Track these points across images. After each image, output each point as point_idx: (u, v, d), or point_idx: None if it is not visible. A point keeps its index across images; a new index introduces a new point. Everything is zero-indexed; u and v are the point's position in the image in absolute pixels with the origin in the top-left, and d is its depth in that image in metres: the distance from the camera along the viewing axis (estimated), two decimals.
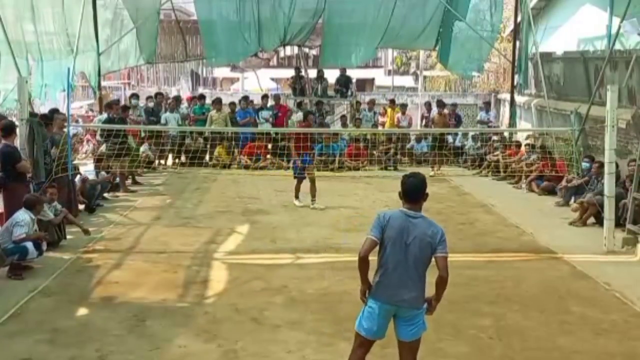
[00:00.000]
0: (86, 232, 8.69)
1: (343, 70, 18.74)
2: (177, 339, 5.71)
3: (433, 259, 4.28)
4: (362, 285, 4.35)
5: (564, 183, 11.94)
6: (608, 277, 7.51)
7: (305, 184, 11.21)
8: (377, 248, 4.31)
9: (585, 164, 11.51)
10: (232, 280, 7.37)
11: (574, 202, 11.31)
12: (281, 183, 13.00)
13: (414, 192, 4.30)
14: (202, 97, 17.13)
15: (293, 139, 11.23)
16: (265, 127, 16.09)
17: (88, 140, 15.66)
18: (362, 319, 4.38)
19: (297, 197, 11.29)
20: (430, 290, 4.39)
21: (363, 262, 4.24)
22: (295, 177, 11.30)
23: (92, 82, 16.42)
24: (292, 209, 11.04)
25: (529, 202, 12.21)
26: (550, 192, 12.57)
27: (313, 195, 11.16)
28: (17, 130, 8.66)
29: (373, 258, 4.36)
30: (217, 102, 16.13)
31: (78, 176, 10.67)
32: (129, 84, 26.02)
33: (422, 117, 17.58)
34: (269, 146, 16.12)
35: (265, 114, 16.46)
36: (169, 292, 6.90)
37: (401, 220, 4.24)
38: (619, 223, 9.22)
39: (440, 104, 16.52)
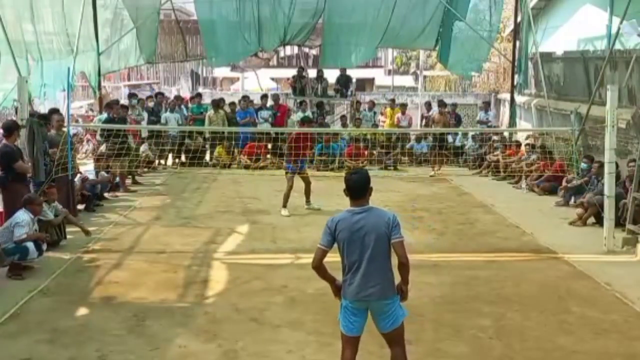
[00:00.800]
0: (87, 232, 8.70)
1: (343, 70, 18.75)
2: (177, 339, 5.71)
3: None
4: (330, 285, 4.49)
5: (564, 183, 11.94)
6: (608, 277, 7.51)
7: (299, 185, 11.03)
8: (340, 251, 4.40)
9: (583, 165, 11.52)
10: (232, 280, 7.37)
11: (574, 202, 11.32)
12: (281, 183, 12.95)
13: (356, 189, 4.34)
14: (198, 95, 17.12)
15: (289, 141, 11.10)
16: (265, 127, 16.09)
17: (88, 140, 15.68)
18: (341, 318, 4.49)
19: (285, 205, 10.76)
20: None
21: (317, 270, 4.40)
22: (286, 174, 10.81)
23: (92, 82, 16.42)
24: (292, 208, 11.03)
25: (529, 202, 12.20)
26: (551, 192, 12.57)
27: (308, 196, 11.04)
28: (20, 130, 8.68)
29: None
30: (215, 103, 16.14)
31: (78, 175, 10.67)
32: (151, 84, 25.99)
33: (422, 116, 17.59)
34: (269, 146, 16.14)
35: (264, 113, 16.46)
36: (169, 292, 6.90)
37: (349, 220, 4.31)
38: (619, 223, 9.22)
39: (442, 104, 16.50)
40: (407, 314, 4.48)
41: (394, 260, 4.38)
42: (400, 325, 4.40)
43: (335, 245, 4.42)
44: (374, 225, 4.27)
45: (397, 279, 4.46)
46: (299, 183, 10.98)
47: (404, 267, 4.31)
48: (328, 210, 11.05)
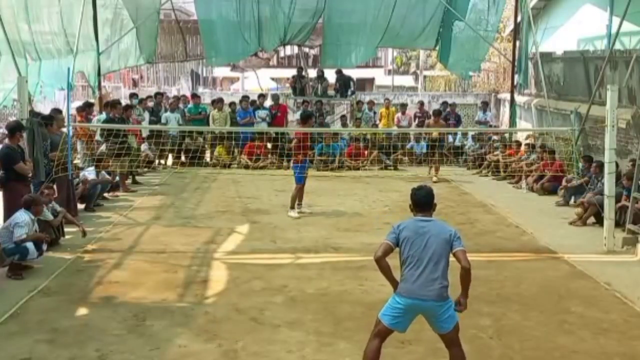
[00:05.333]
0: (83, 233, 8.66)
1: (339, 72, 18.73)
2: (177, 339, 5.72)
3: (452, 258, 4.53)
4: (392, 285, 4.61)
5: (564, 183, 11.95)
6: (608, 277, 7.51)
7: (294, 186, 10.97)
8: (400, 250, 4.57)
9: (581, 165, 11.54)
10: (232, 280, 7.37)
11: (574, 202, 11.32)
12: (281, 183, 13.02)
13: (421, 203, 4.71)
14: (195, 96, 17.15)
15: (295, 139, 11.05)
16: (262, 126, 16.09)
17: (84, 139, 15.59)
18: (387, 310, 4.60)
19: (293, 207, 10.56)
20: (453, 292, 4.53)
21: (379, 263, 4.52)
22: (298, 181, 10.56)
23: (92, 82, 16.42)
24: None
25: (529, 202, 12.21)
26: (550, 192, 12.57)
27: (300, 200, 10.88)
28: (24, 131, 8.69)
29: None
30: (219, 102, 16.21)
31: (77, 178, 10.65)
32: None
33: (415, 116, 17.50)
34: (269, 146, 16.15)
35: (261, 113, 16.46)
36: (169, 292, 6.90)
37: (414, 224, 4.60)
38: (619, 223, 9.22)
39: (437, 112, 14.92)
40: (458, 319, 4.64)
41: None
42: (456, 326, 4.61)
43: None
44: (438, 232, 4.55)
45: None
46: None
47: (466, 272, 4.49)
48: (328, 211, 11.07)
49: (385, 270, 4.53)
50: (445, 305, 4.50)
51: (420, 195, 4.71)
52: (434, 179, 13.99)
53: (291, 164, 11.53)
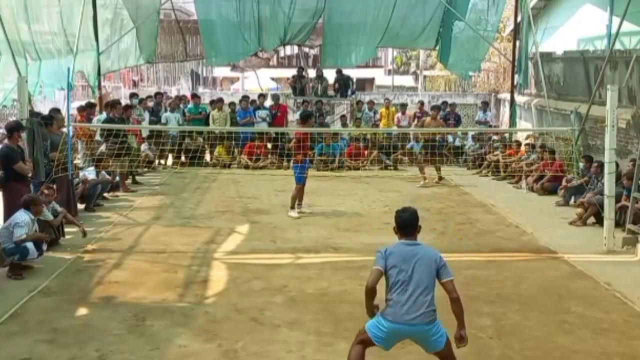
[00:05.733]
0: (84, 233, 8.66)
1: (339, 72, 18.75)
2: (177, 339, 5.71)
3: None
4: (368, 313, 4.58)
5: (564, 183, 11.95)
6: (608, 277, 7.51)
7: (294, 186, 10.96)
8: (386, 275, 4.53)
9: (581, 165, 11.53)
10: (232, 280, 7.37)
11: (574, 202, 11.32)
12: (281, 183, 13.02)
13: (406, 226, 4.62)
14: (195, 96, 17.17)
15: (294, 139, 11.04)
16: (262, 126, 16.10)
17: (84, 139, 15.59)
18: (372, 326, 4.55)
19: (293, 207, 10.56)
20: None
21: (371, 292, 4.47)
22: (298, 181, 10.55)
23: (91, 82, 16.42)
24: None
25: (529, 202, 12.21)
26: (550, 192, 12.57)
27: (300, 200, 10.87)
28: (22, 131, 8.69)
29: None
30: (218, 102, 16.22)
31: (77, 178, 10.65)
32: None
33: (415, 115, 17.49)
34: (269, 146, 16.15)
35: (262, 113, 16.47)
36: (169, 292, 6.90)
37: (401, 248, 4.55)
38: (619, 223, 9.22)
39: (435, 108, 15.12)
40: (447, 336, 4.57)
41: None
42: (448, 342, 4.56)
43: None
44: (425, 256, 4.50)
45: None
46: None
47: (456, 303, 4.46)
48: (328, 211, 11.07)
49: (372, 298, 4.51)
50: (434, 328, 4.48)
51: (404, 218, 4.63)
52: (435, 179, 13.87)
53: (291, 164, 11.51)
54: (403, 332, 4.48)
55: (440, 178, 13.93)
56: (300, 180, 10.64)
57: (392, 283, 4.47)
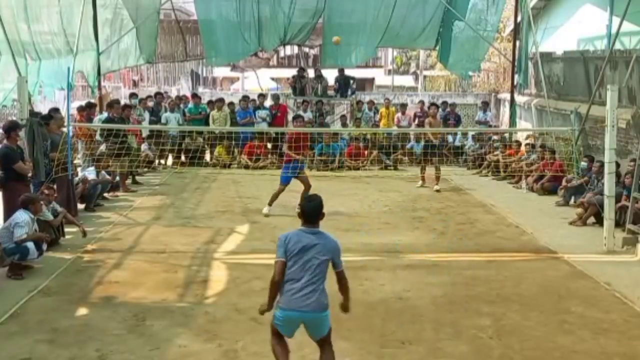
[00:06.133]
0: (84, 233, 8.66)
1: (341, 71, 18.76)
2: (177, 339, 5.72)
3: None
4: (267, 305, 4.76)
5: (564, 183, 11.95)
6: (608, 277, 7.51)
7: (300, 186, 10.94)
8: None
9: (583, 164, 11.52)
10: (232, 280, 7.37)
11: (574, 202, 11.32)
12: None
13: (311, 214, 4.78)
14: (195, 96, 17.16)
15: (285, 142, 10.98)
16: (262, 126, 16.09)
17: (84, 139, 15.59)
18: (275, 317, 4.77)
19: (270, 204, 10.65)
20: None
21: (277, 285, 4.63)
22: (281, 180, 10.64)
23: (91, 82, 16.42)
24: (292, 208, 11.01)
25: (529, 202, 12.21)
26: (550, 192, 12.57)
27: (273, 199, 10.81)
28: (19, 130, 8.68)
29: None
30: (217, 102, 16.22)
31: (77, 178, 10.65)
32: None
33: (415, 115, 17.47)
34: (269, 146, 16.15)
35: (262, 113, 16.46)
36: (169, 292, 6.90)
37: (300, 237, 4.67)
38: (619, 223, 9.22)
39: (433, 105, 14.57)
40: (330, 326, 4.82)
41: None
42: (329, 332, 4.82)
43: None
44: (322, 245, 4.65)
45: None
46: (299, 184, 10.88)
47: (347, 290, 4.83)
48: (328, 211, 11.05)
49: (275, 293, 4.66)
50: (326, 315, 4.68)
51: (310, 207, 4.79)
52: (437, 187, 13.10)
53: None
54: (296, 319, 4.64)
55: (438, 191, 12.98)
56: (283, 181, 10.64)
57: (288, 272, 4.60)
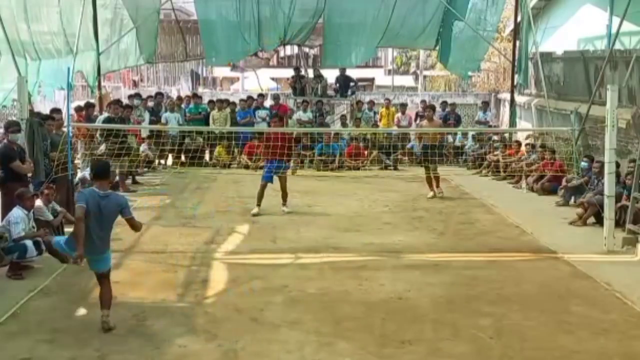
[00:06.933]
0: None
1: (342, 71, 18.77)
2: (177, 339, 5.72)
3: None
4: (79, 246, 5.74)
5: (564, 183, 11.94)
6: (608, 277, 7.50)
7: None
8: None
9: (583, 164, 11.51)
10: (232, 280, 7.37)
11: (574, 202, 11.31)
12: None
13: (100, 174, 5.92)
14: (195, 96, 17.16)
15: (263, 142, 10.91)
16: (262, 126, 16.08)
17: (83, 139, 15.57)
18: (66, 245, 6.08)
19: (258, 204, 10.66)
20: None
21: (81, 221, 5.67)
22: (263, 177, 10.73)
23: (91, 82, 16.42)
24: (292, 208, 11.02)
25: (529, 202, 12.20)
26: (550, 192, 12.57)
27: (284, 199, 10.87)
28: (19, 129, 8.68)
29: None
30: (219, 102, 16.23)
31: (77, 177, 10.64)
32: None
33: (417, 115, 17.46)
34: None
35: (262, 113, 16.46)
36: (169, 292, 6.91)
37: (94, 197, 5.78)
38: (619, 223, 9.22)
39: (429, 109, 13.32)
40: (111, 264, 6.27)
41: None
42: (110, 268, 6.18)
43: None
44: (113, 204, 5.85)
45: None
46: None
47: (138, 229, 6.26)
48: (328, 211, 11.08)
49: (82, 233, 5.65)
50: (107, 253, 6.04)
51: (98, 168, 5.99)
52: (430, 194, 12.33)
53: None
54: (92, 259, 5.97)
55: (433, 196, 12.39)
56: (264, 178, 10.68)
57: (86, 225, 5.67)
